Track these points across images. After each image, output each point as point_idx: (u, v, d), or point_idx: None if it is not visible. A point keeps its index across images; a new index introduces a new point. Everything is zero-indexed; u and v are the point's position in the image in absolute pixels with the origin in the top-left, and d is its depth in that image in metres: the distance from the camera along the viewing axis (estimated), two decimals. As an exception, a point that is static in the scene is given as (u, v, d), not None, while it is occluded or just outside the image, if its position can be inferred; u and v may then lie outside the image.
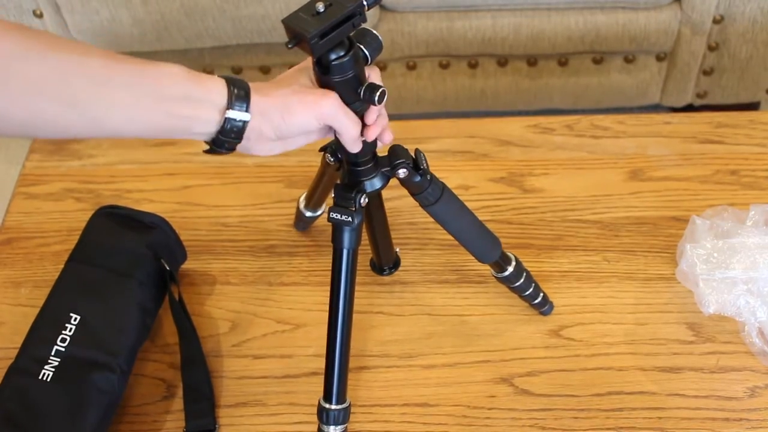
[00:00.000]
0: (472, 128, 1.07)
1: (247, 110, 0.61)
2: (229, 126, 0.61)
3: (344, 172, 0.73)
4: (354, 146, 0.67)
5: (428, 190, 0.74)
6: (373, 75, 0.66)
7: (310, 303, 0.90)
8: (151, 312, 0.86)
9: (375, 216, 0.81)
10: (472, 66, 1.76)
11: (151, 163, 1.05)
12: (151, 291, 0.85)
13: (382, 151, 0.73)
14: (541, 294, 0.87)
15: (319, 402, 0.74)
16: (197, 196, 1.02)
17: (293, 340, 0.87)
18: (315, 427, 0.74)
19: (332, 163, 0.74)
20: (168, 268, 0.87)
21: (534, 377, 0.83)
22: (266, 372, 0.85)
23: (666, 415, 0.80)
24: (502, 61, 1.76)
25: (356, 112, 0.65)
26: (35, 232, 0.98)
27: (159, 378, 0.85)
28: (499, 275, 0.83)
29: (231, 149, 0.63)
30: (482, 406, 0.81)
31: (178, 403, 0.83)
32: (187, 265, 0.94)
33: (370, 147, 0.70)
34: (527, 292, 0.85)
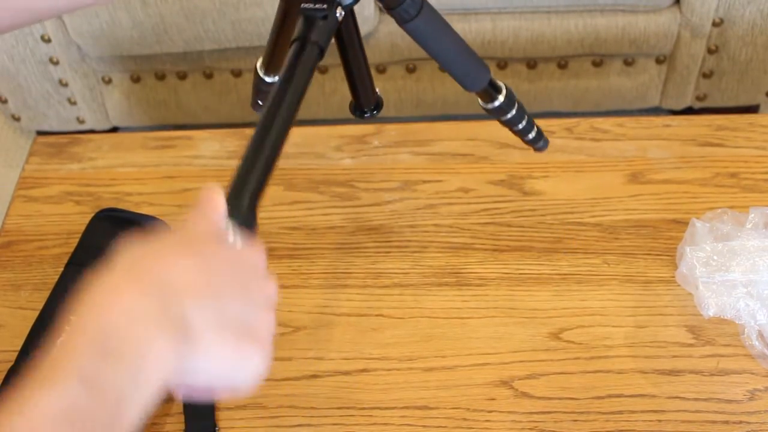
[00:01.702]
0: (471, 131, 1.07)
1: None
2: None
3: None
4: None
5: (405, 4, 0.67)
6: None
7: (310, 306, 0.90)
8: (151, 315, 0.86)
9: (349, 48, 0.74)
10: (472, 69, 1.76)
11: (150, 166, 1.05)
12: (150, 294, 0.85)
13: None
14: (535, 127, 0.82)
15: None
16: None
17: (293, 342, 0.87)
18: (315, 430, 0.74)
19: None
20: (168, 271, 0.87)
21: (534, 380, 0.83)
22: (265, 374, 0.85)
23: (666, 418, 0.80)
24: (502, 64, 1.76)
25: None
26: (35, 235, 0.98)
27: (158, 381, 0.85)
28: (489, 106, 0.78)
29: None
30: (482, 409, 0.81)
31: (177, 405, 0.83)
32: (186, 268, 0.94)
33: None
34: (520, 126, 0.81)
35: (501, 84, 0.78)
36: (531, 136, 0.83)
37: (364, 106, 0.81)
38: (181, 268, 0.42)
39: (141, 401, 0.39)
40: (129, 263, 0.42)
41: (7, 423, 0.36)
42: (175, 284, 0.41)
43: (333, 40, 0.68)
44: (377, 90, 0.81)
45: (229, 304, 0.43)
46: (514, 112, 0.79)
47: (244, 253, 0.47)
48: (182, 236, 0.45)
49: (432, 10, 0.69)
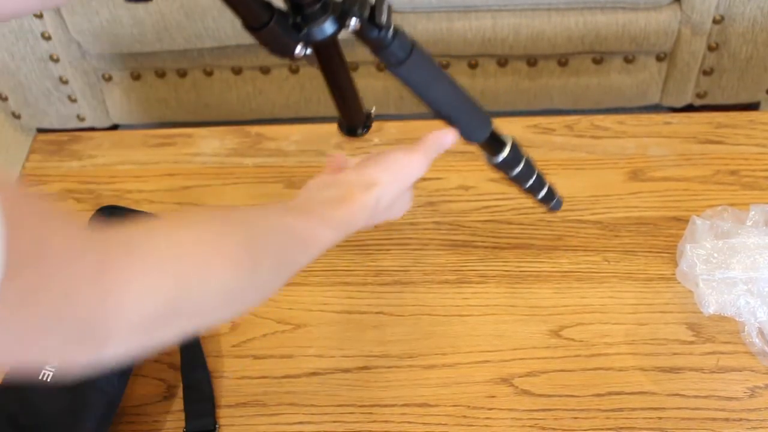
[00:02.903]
0: (472, 128, 1.07)
1: None
2: None
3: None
4: None
5: (391, 48, 0.63)
6: None
7: (310, 303, 0.90)
8: (151, 312, 0.86)
9: (334, 65, 0.70)
10: (472, 66, 1.76)
11: (150, 163, 1.05)
12: (151, 291, 0.85)
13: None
14: (547, 185, 0.76)
15: None
16: (197, 196, 1.01)
17: (293, 340, 0.87)
18: (316, 428, 0.74)
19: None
20: (168, 269, 0.87)
21: (534, 377, 0.83)
22: (266, 372, 0.85)
23: (666, 415, 0.80)
24: (502, 62, 1.76)
25: None
26: (35, 233, 0.98)
27: (159, 378, 0.85)
28: (492, 160, 0.72)
29: None
30: (482, 407, 0.81)
31: (178, 403, 0.83)
32: (187, 266, 0.94)
33: None
34: (529, 183, 0.74)
35: (506, 137, 0.72)
36: (541, 194, 0.77)
37: (355, 125, 0.77)
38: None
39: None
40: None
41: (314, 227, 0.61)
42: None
43: (317, 62, 0.67)
44: (372, 109, 0.78)
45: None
46: (521, 167, 0.73)
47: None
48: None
49: (423, 55, 0.66)
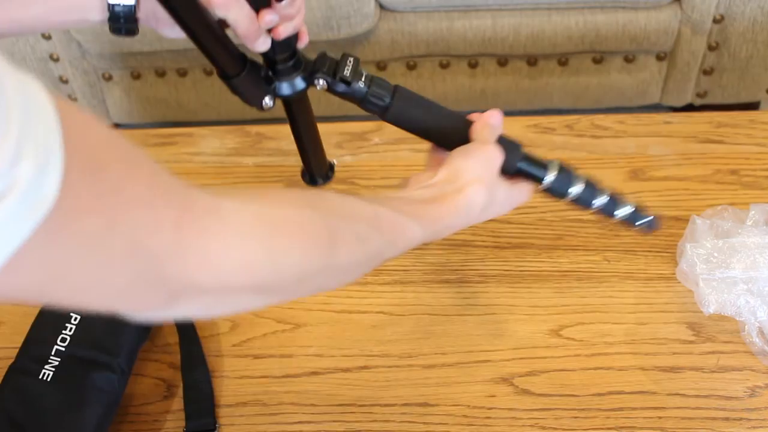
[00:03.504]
0: (472, 128, 1.07)
1: None
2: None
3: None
4: (253, 44, 0.65)
5: (370, 97, 0.65)
6: None
7: (311, 303, 0.90)
8: (152, 312, 0.86)
9: (300, 119, 0.73)
10: (472, 66, 1.76)
11: (151, 162, 1.05)
12: (151, 291, 0.85)
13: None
14: (628, 205, 0.70)
15: None
16: (197, 195, 1.01)
17: (293, 339, 0.87)
18: (316, 427, 0.74)
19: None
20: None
21: (534, 377, 0.83)
22: (266, 372, 0.85)
23: (666, 414, 0.80)
24: (502, 61, 1.76)
25: (258, 6, 0.62)
26: (35, 232, 0.98)
27: (159, 378, 0.85)
28: (539, 186, 0.69)
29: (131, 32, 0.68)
30: (482, 406, 0.81)
31: (178, 402, 0.83)
32: (187, 265, 0.94)
33: (282, 47, 0.65)
34: (595, 204, 0.68)
35: (550, 162, 0.68)
36: (621, 214, 0.71)
37: (316, 174, 0.80)
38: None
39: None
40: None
41: (404, 220, 0.59)
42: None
43: (285, 114, 0.69)
44: (333, 161, 0.81)
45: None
46: (575, 186, 0.68)
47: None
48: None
49: (407, 97, 0.67)
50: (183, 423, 0.81)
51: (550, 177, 0.69)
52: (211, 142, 1.07)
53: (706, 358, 0.84)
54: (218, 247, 0.42)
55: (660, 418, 0.80)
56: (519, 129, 1.06)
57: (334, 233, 0.52)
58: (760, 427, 0.79)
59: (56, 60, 1.76)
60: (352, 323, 0.88)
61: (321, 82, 0.65)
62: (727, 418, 0.79)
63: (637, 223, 0.73)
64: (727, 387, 0.82)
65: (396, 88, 0.67)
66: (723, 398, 0.81)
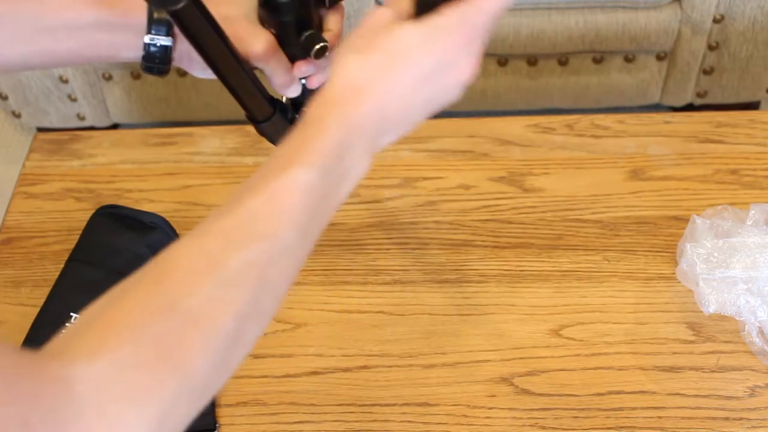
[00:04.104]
0: (472, 128, 1.07)
1: (167, 34, 0.62)
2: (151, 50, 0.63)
3: None
4: (285, 91, 0.66)
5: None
6: (332, 21, 0.63)
7: (311, 302, 0.90)
8: (152, 311, 0.86)
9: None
10: (472, 65, 1.76)
11: (151, 162, 1.05)
12: (151, 290, 0.85)
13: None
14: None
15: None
16: (197, 195, 1.01)
17: (293, 339, 0.87)
18: (316, 427, 0.74)
19: None
20: (168, 268, 0.87)
21: (534, 377, 0.83)
22: (266, 371, 0.85)
23: (666, 414, 0.80)
24: (503, 61, 1.76)
25: (295, 56, 0.62)
26: (35, 232, 0.98)
27: (159, 377, 0.85)
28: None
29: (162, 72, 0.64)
30: (482, 406, 0.81)
31: (178, 402, 0.83)
32: (187, 265, 0.94)
33: (312, 92, 0.64)
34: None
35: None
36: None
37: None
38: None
39: (353, 184, 0.51)
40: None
41: (264, 186, 0.49)
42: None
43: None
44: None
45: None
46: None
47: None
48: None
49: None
50: (183, 423, 0.80)
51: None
52: (212, 141, 1.07)
53: (706, 357, 0.84)
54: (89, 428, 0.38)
55: (660, 417, 0.80)
56: (519, 128, 1.06)
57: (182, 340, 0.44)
58: (760, 427, 0.79)
59: (56, 60, 1.76)
60: (352, 323, 0.88)
61: None
62: (727, 418, 0.79)
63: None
64: (727, 387, 0.82)
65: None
66: (723, 398, 0.81)
